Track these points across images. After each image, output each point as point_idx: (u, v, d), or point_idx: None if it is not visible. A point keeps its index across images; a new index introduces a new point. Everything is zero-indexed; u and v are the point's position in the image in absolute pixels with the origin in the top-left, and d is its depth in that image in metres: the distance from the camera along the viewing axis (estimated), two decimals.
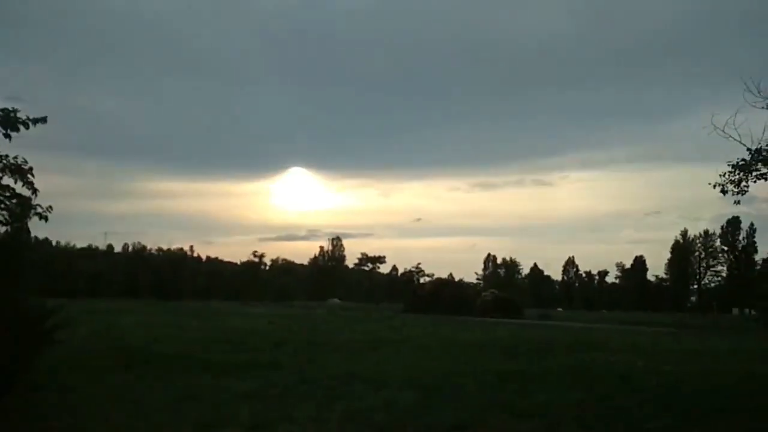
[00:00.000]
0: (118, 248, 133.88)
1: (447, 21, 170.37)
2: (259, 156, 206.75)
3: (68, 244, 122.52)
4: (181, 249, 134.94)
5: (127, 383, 10.89)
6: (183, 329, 24.51)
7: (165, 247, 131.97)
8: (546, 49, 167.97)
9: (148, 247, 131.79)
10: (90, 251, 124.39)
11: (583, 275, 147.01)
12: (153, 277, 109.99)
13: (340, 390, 10.75)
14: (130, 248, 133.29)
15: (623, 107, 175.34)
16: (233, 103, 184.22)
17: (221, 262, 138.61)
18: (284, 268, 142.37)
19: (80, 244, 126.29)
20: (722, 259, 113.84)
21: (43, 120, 10.59)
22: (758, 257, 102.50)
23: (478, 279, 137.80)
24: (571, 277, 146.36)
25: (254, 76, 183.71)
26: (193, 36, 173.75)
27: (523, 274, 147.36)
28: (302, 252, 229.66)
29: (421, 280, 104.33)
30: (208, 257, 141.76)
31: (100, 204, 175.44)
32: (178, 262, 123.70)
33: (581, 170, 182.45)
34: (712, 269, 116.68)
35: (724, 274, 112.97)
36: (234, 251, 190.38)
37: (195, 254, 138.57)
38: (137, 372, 12.16)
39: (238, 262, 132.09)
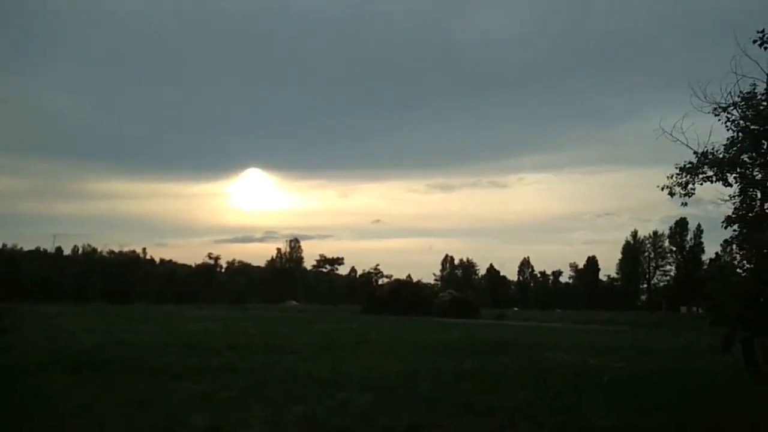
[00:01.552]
0: (67, 251, 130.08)
1: (405, 24, 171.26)
2: (215, 157, 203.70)
3: (15, 246, 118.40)
4: (134, 251, 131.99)
5: (76, 389, 10.54)
6: (135, 333, 23.94)
7: (117, 250, 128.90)
8: (502, 53, 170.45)
9: (99, 250, 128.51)
10: (38, 254, 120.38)
11: (538, 275, 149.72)
12: (104, 280, 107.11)
13: (296, 392, 10.66)
14: (80, 251, 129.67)
15: (577, 110, 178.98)
16: (189, 102, 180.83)
17: (175, 264, 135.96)
18: (240, 270, 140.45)
19: (27, 246, 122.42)
20: (671, 259, 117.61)
21: None
22: (705, 257, 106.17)
23: (436, 280, 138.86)
24: (527, 278, 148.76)
25: (212, 75, 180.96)
26: (149, 33, 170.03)
27: (479, 274, 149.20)
28: (259, 254, 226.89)
29: (380, 282, 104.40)
30: (161, 260, 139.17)
31: (49, 205, 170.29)
32: (131, 265, 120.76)
33: (536, 172, 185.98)
34: (661, 269, 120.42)
35: (672, 274, 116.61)
36: (189, 253, 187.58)
37: (148, 256, 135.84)
38: (87, 378, 11.80)
39: (193, 265, 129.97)
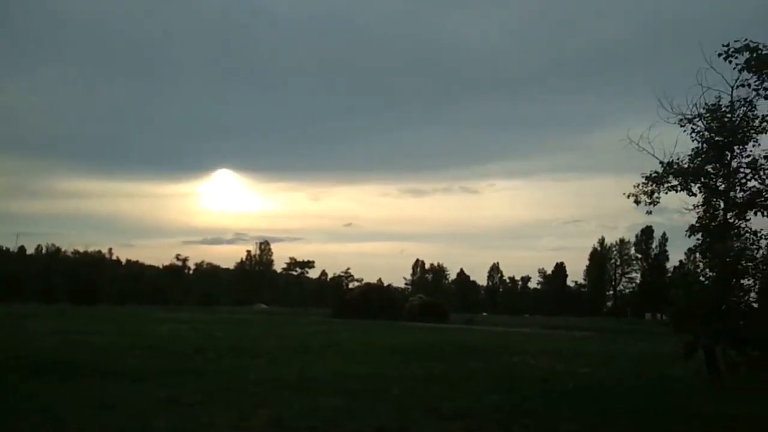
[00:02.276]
0: (30, 250, 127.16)
1: (380, 29, 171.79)
2: (185, 157, 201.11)
3: None
4: (99, 251, 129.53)
5: (37, 392, 10.26)
6: (99, 335, 23.44)
7: (82, 250, 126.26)
8: (476, 61, 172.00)
9: (64, 249, 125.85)
10: (0, 253, 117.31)
11: (507, 281, 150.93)
12: (68, 280, 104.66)
13: (264, 396, 10.56)
14: (44, 250, 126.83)
15: (548, 119, 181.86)
16: (160, 101, 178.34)
17: (142, 265, 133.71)
18: (209, 272, 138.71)
19: None
20: (636, 267, 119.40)
21: None
22: (669, 265, 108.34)
23: (406, 284, 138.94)
24: (496, 283, 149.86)
25: (183, 74, 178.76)
26: (118, 31, 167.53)
27: (450, 279, 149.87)
28: (228, 256, 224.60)
29: (350, 285, 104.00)
30: (128, 260, 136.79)
31: (12, 203, 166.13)
32: (96, 265, 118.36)
33: (507, 179, 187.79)
34: (627, 276, 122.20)
35: (638, 281, 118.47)
36: (156, 254, 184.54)
37: (114, 257, 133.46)
38: (48, 380, 11.50)
39: (161, 266, 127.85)
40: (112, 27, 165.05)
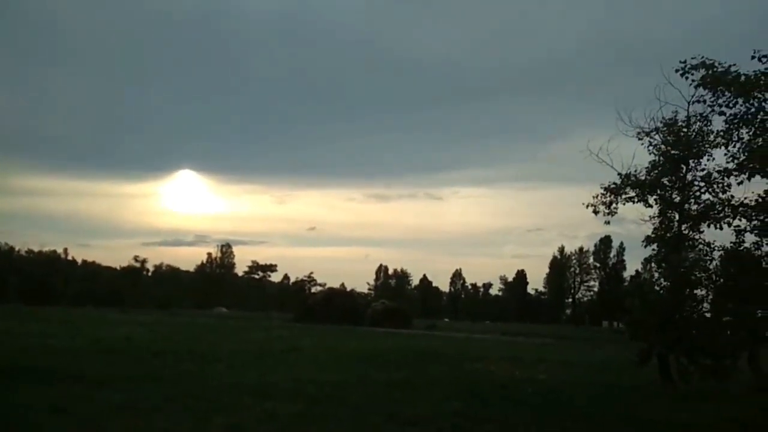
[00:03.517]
0: None
1: (348, 35, 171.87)
2: (147, 156, 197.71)
3: None
4: (54, 251, 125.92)
5: None
6: (52, 337, 22.76)
7: (36, 249, 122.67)
8: (443, 69, 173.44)
9: (17, 249, 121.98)
10: None
11: (470, 287, 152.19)
12: (22, 280, 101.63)
13: (221, 402, 10.40)
14: None
15: (512, 129, 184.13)
16: (122, 100, 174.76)
17: (99, 266, 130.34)
18: (168, 274, 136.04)
19: None
20: (595, 275, 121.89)
21: None
22: (627, 274, 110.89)
23: (370, 289, 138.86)
24: (458, 289, 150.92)
25: (145, 73, 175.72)
26: (82, 29, 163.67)
27: (413, 285, 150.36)
28: (189, 258, 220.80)
29: (313, 290, 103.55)
30: (84, 261, 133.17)
31: None
32: (51, 265, 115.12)
33: (471, 186, 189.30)
34: (585, 284, 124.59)
35: (596, 289, 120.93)
36: (114, 255, 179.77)
37: (70, 257, 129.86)
38: None
39: (118, 267, 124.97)
40: (74, 24, 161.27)
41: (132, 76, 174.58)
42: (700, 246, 15.12)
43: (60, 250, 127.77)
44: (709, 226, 14.90)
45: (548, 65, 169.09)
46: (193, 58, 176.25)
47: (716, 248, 15.00)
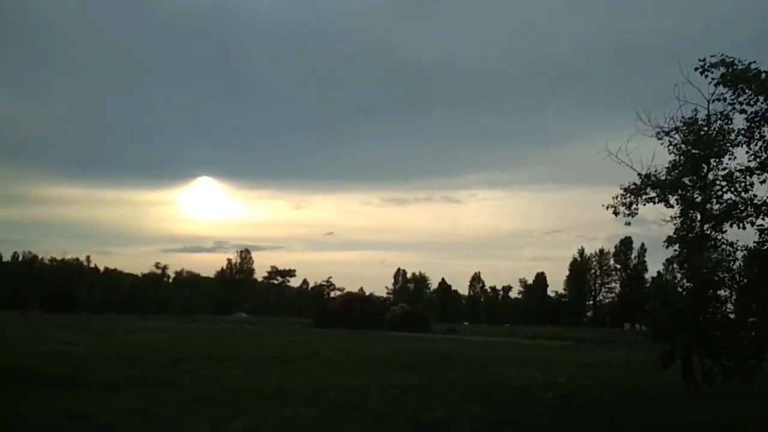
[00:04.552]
0: (6, 257, 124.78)
1: (363, 40, 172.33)
2: (166, 164, 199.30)
3: None
4: (77, 259, 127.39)
5: (7, 401, 10.01)
6: (73, 344, 23.02)
7: (58, 257, 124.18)
8: (458, 72, 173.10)
9: (40, 257, 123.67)
10: None
11: (489, 290, 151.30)
12: (44, 288, 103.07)
13: (240, 407, 10.41)
14: (20, 258, 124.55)
15: (529, 130, 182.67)
16: (141, 108, 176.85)
17: (120, 273, 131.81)
18: (189, 280, 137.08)
19: None
20: (615, 277, 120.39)
21: None
22: (648, 275, 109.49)
23: (388, 293, 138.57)
24: (477, 292, 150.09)
25: (164, 81, 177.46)
26: (100, 36, 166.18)
27: (431, 288, 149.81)
28: (209, 264, 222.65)
29: (332, 294, 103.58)
30: (105, 268, 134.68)
31: None
32: (73, 273, 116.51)
33: (488, 189, 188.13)
34: (606, 286, 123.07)
35: (617, 291, 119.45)
36: (135, 262, 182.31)
37: (91, 264, 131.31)
38: (19, 390, 11.23)
39: (139, 274, 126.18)
40: (92, 34, 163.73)
41: (151, 84, 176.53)
42: (723, 246, 14.84)
43: (82, 258, 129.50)
44: (731, 225, 14.62)
45: (565, 65, 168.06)
46: (210, 66, 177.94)
47: (739, 248, 14.72)
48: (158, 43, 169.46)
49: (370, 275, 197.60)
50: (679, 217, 15.16)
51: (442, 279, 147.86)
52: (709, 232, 14.88)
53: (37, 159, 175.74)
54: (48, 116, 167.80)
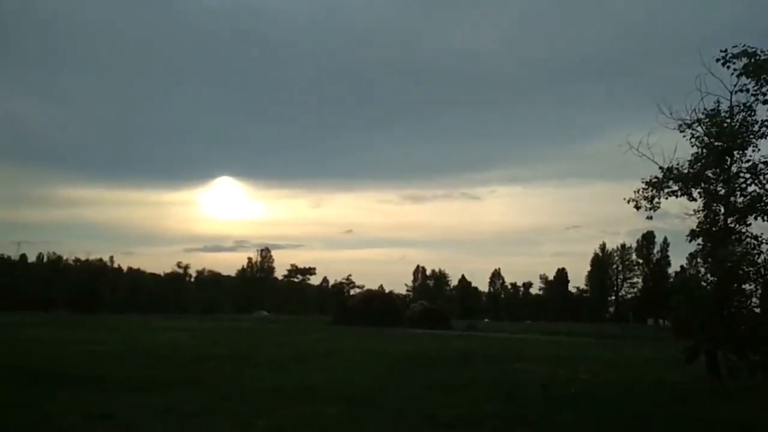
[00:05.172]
0: (32, 258, 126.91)
1: (381, 37, 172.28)
2: (186, 164, 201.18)
3: None
4: (100, 259, 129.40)
5: (35, 401, 10.20)
6: (98, 344, 23.39)
7: (83, 258, 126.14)
8: (475, 69, 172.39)
9: (65, 258, 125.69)
10: (1, 262, 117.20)
11: (509, 287, 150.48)
12: (69, 289, 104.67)
13: (263, 405, 10.49)
14: (45, 259, 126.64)
15: (547, 125, 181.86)
16: (160, 109, 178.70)
17: (143, 273, 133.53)
18: (210, 279, 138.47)
19: None
20: (638, 272, 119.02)
21: None
22: (671, 270, 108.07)
23: (408, 290, 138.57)
24: (498, 289, 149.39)
25: (183, 83, 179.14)
26: (115, 38, 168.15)
27: (451, 285, 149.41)
28: (230, 263, 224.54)
29: (352, 292, 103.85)
30: (129, 268, 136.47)
31: (13, 212, 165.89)
32: (97, 273, 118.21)
33: (507, 185, 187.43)
34: (628, 281, 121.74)
35: (639, 286, 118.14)
36: (157, 262, 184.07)
37: (115, 265, 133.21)
38: (46, 389, 11.46)
39: (162, 274, 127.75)
40: (113, 35, 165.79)
41: (171, 85, 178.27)
42: (748, 239, 14.62)
43: (106, 258, 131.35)
44: (756, 218, 14.39)
45: (582, 61, 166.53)
46: (229, 67, 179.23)
47: (764, 241, 14.48)
48: (181, 45, 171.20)
49: (389, 273, 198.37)
50: (703, 210, 14.95)
51: (462, 276, 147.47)
52: (733, 225, 14.66)
53: (61, 162, 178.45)
54: (73, 119, 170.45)
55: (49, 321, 46.46)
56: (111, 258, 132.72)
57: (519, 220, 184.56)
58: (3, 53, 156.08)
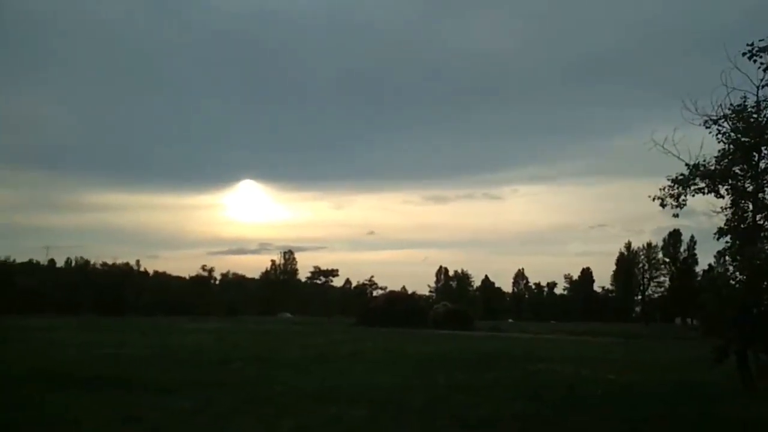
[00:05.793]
0: (60, 263, 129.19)
1: (401, 37, 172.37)
2: (209, 168, 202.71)
3: (7, 258, 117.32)
4: (127, 263, 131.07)
5: (63, 404, 10.36)
6: (125, 346, 23.71)
7: (110, 262, 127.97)
8: (497, 67, 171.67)
9: (92, 262, 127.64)
10: (30, 266, 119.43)
11: (533, 287, 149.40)
12: (96, 292, 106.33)
13: (288, 407, 10.54)
14: (73, 263, 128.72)
15: (570, 123, 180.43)
16: (182, 113, 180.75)
17: (169, 276, 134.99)
18: (234, 282, 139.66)
19: (20, 258, 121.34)
20: (665, 271, 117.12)
21: None
22: (699, 269, 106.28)
23: (430, 291, 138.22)
24: (521, 289, 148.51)
25: (205, 86, 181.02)
26: (141, 43, 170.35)
27: (474, 286, 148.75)
28: (253, 266, 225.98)
29: (374, 293, 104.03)
30: (155, 272, 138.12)
31: (42, 217, 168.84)
32: (123, 277, 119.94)
33: (530, 184, 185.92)
34: (655, 280, 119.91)
35: (666, 285, 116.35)
36: (182, 265, 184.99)
37: (141, 269, 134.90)
38: (74, 392, 11.61)
39: (187, 277, 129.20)
40: (135, 39, 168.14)
41: (194, 90, 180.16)
42: None
43: (132, 262, 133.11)
44: None
45: (605, 57, 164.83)
46: (250, 71, 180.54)
47: None
48: (201, 48, 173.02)
49: (412, 274, 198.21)
50: (730, 207, 14.70)
51: (485, 276, 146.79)
52: (762, 222, 14.39)
53: (87, 167, 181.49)
54: (97, 125, 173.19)
55: (77, 324, 47.21)
56: (137, 262, 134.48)
57: (542, 219, 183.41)
58: (34, 62, 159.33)
